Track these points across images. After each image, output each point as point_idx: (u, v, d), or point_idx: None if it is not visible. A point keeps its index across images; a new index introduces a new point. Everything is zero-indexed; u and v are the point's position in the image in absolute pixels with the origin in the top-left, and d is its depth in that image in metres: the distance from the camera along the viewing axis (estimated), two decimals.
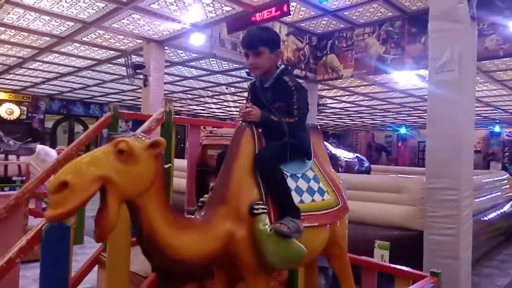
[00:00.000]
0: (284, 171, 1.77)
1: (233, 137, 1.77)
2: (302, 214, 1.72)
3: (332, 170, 2.15)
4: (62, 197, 1.21)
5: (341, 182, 2.12)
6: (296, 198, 1.76)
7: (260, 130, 1.81)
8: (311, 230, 1.75)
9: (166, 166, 1.57)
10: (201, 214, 1.68)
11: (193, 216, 1.70)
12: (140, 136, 1.46)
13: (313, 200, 1.83)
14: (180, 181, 4.22)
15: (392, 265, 2.51)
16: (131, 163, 1.34)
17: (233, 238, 1.59)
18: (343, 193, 2.04)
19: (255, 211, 1.60)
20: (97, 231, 1.31)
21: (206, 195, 1.80)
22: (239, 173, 1.68)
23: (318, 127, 2.26)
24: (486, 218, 4.83)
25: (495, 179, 5.85)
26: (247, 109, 1.76)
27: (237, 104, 13.22)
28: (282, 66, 1.93)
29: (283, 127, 1.74)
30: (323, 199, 1.87)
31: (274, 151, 1.75)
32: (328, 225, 1.90)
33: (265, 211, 1.63)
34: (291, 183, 1.78)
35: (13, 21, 5.59)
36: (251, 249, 1.60)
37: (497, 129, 16.55)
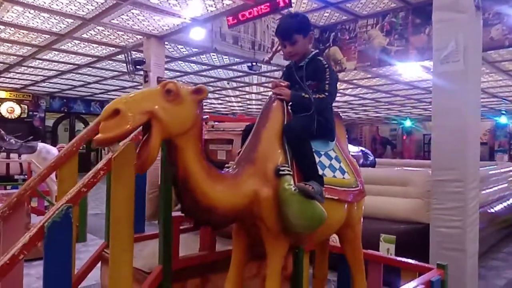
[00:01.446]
0: None
1: (263, 109, 1.87)
2: (324, 186, 1.75)
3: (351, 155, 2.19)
4: (112, 123, 1.31)
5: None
6: (319, 171, 1.81)
7: (289, 106, 1.88)
8: (330, 203, 1.77)
9: (205, 116, 1.65)
10: (231, 171, 1.74)
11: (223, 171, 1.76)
12: (186, 83, 1.57)
13: (334, 176, 1.88)
14: None
15: (398, 258, 2.49)
16: (177, 103, 1.45)
17: (258, 197, 1.64)
18: (361, 178, 2.08)
19: (281, 172, 1.66)
20: (139, 162, 1.42)
21: (231, 162, 1.88)
22: (267, 139, 1.76)
23: (340, 114, 2.30)
24: (492, 210, 4.79)
25: (502, 170, 5.80)
26: (279, 87, 1.86)
27: (239, 99, 13.20)
28: (316, 50, 2.03)
29: (312, 104, 1.81)
30: (343, 178, 1.93)
31: (303, 123, 1.82)
32: (346, 204, 1.93)
33: (291, 173, 1.68)
34: (314, 157, 1.83)
35: (12, 19, 5.56)
36: (275, 209, 1.64)
37: (503, 120, 16.41)
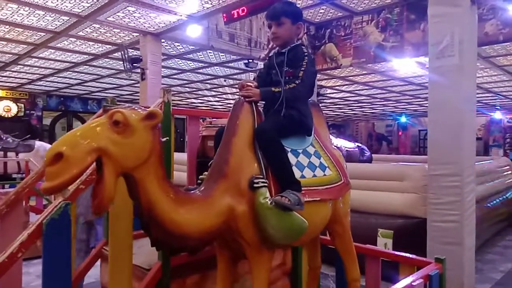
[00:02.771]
0: (285, 146, 1.75)
1: (231, 113, 1.76)
2: (303, 188, 1.69)
3: (334, 147, 2.13)
4: (57, 168, 1.20)
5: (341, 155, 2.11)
6: (297, 173, 1.73)
7: (257, 106, 1.82)
8: (312, 205, 1.73)
9: (164, 139, 1.51)
10: (201, 189, 1.65)
11: (192, 191, 1.66)
12: (136, 108, 1.42)
13: (314, 175, 1.81)
14: (180, 175, 4.21)
15: (397, 252, 2.50)
16: (127, 134, 1.32)
17: (234, 213, 1.57)
18: (345, 170, 2.03)
19: (255, 185, 1.59)
20: (95, 203, 1.31)
21: (205, 173, 1.77)
22: (238, 148, 1.66)
23: (319, 104, 2.25)
24: (488, 205, 4.83)
25: (497, 165, 5.84)
26: (247, 86, 1.80)
27: (236, 97, 13.18)
28: (300, 42, 1.99)
29: (283, 96, 1.74)
30: (324, 175, 1.86)
31: (274, 123, 1.74)
32: (330, 201, 1.89)
33: (266, 184, 1.61)
34: (292, 158, 1.76)
35: (7, 17, 5.51)
36: (252, 224, 1.58)
37: (498, 115, 16.51)
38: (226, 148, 1.67)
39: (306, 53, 1.87)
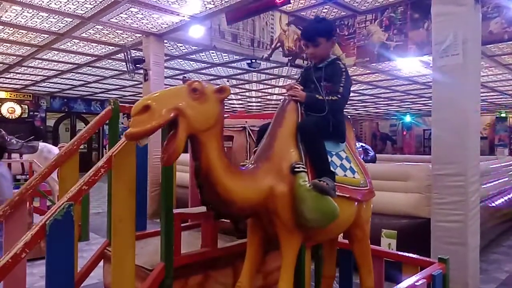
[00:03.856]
0: None
1: (279, 108, 1.97)
2: (335, 183, 1.81)
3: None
4: (142, 118, 1.40)
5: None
6: (331, 167, 1.87)
7: (303, 107, 1.97)
8: (341, 201, 1.81)
9: (226, 115, 1.74)
10: (248, 167, 1.82)
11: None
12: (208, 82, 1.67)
13: (345, 175, 1.95)
14: (183, 176, 4.22)
15: (400, 253, 2.50)
16: (202, 101, 1.55)
17: (274, 192, 1.72)
18: (370, 179, 2.14)
19: (296, 169, 1.74)
20: (165, 156, 1.50)
21: (246, 160, 2.00)
22: (283, 138, 1.85)
23: (349, 117, 2.40)
24: (493, 204, 4.79)
25: (502, 164, 5.80)
26: (295, 88, 1.97)
27: (239, 97, 13.18)
28: (336, 56, 2.18)
29: (325, 105, 1.91)
30: (354, 177, 2.00)
31: (316, 122, 1.91)
32: (356, 202, 1.99)
33: (305, 170, 1.76)
34: None
35: (11, 19, 5.55)
36: (289, 205, 1.71)
37: (503, 114, 16.40)
38: (272, 136, 1.86)
39: (343, 69, 2.02)
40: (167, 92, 1.56)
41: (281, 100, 2.02)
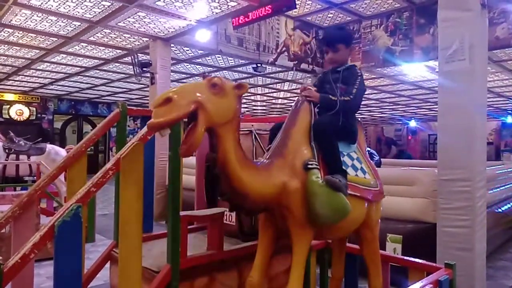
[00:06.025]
0: None
1: (293, 108, 2.02)
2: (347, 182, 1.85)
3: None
4: (164, 109, 1.46)
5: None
6: (343, 165, 1.91)
7: (316, 108, 2.02)
8: (352, 199, 1.84)
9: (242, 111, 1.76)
10: (263, 163, 1.87)
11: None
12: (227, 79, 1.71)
13: (356, 175, 1.99)
14: (189, 178, 4.23)
15: (406, 257, 2.48)
16: (221, 96, 1.60)
17: (287, 188, 1.76)
18: (380, 180, 2.16)
19: (309, 166, 1.78)
20: (185, 147, 1.54)
21: (260, 158, 2.03)
22: (296, 136, 1.90)
23: (360, 121, 2.43)
24: (500, 210, 4.75)
25: (509, 170, 5.75)
26: (308, 89, 2.03)
27: (244, 100, 13.21)
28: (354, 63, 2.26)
29: (338, 106, 1.95)
30: (364, 177, 2.04)
31: (329, 121, 1.95)
32: (366, 202, 2.01)
33: (318, 167, 1.80)
34: None
35: (20, 23, 5.64)
36: (302, 200, 1.75)
37: (509, 120, 16.26)
38: (286, 135, 1.91)
39: (359, 74, 2.08)
40: (188, 86, 1.63)
41: (295, 101, 2.07)
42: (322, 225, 1.82)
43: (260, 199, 1.74)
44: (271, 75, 8.80)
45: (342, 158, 1.94)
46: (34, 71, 9.00)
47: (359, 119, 2.29)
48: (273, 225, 1.91)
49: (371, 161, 2.24)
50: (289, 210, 1.77)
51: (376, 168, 2.24)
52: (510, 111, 14.81)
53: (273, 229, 1.92)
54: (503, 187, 5.15)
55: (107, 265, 2.40)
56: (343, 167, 1.91)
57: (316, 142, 1.89)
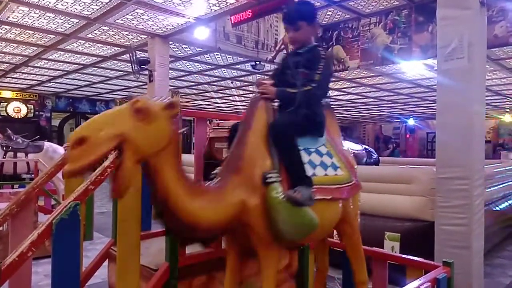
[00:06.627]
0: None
1: (248, 108, 1.80)
2: (315, 186, 1.71)
3: (345, 148, 2.15)
4: (79, 152, 1.25)
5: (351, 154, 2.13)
6: (309, 171, 1.74)
7: (275, 103, 1.82)
8: (323, 203, 1.74)
9: (182, 130, 1.57)
10: (215, 182, 1.68)
11: (206, 184, 1.69)
12: (157, 98, 1.47)
13: (326, 174, 1.82)
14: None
15: (404, 256, 2.49)
16: (148, 121, 1.36)
17: (246, 207, 1.59)
18: (355, 171, 2.04)
19: (268, 180, 1.60)
20: (114, 187, 1.35)
21: (218, 167, 1.79)
22: (252, 143, 1.68)
23: (331, 105, 2.25)
24: (497, 208, 4.77)
25: (507, 168, 5.77)
26: (263, 85, 1.81)
27: (243, 99, 13.20)
28: (319, 43, 2.00)
29: (298, 98, 1.74)
30: (336, 174, 1.87)
31: (288, 120, 1.76)
32: (340, 201, 1.89)
33: (278, 180, 1.62)
34: (304, 156, 1.77)
35: (18, 20, 5.60)
36: (264, 218, 1.59)
37: (507, 118, 16.32)
38: (241, 143, 1.70)
39: (323, 55, 1.86)
40: (106, 116, 1.37)
41: (251, 99, 1.87)
42: (289, 241, 1.70)
43: (216, 226, 1.55)
44: (270, 73, 8.76)
45: (309, 157, 1.78)
46: (31, 68, 8.95)
47: (328, 101, 2.09)
48: (238, 243, 1.79)
49: (345, 151, 2.07)
50: (251, 229, 1.62)
51: (353, 160, 2.09)
52: (508, 110, 14.84)
53: (240, 249, 1.80)
54: (501, 185, 5.17)
55: (105, 263, 2.40)
56: (311, 169, 1.75)
57: (275, 147, 1.69)
